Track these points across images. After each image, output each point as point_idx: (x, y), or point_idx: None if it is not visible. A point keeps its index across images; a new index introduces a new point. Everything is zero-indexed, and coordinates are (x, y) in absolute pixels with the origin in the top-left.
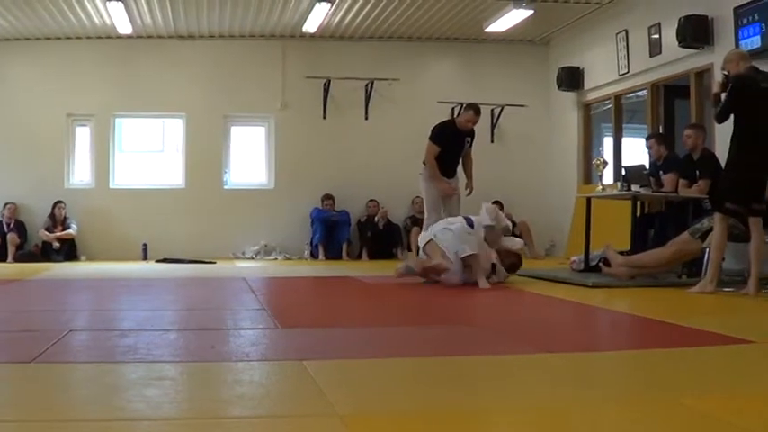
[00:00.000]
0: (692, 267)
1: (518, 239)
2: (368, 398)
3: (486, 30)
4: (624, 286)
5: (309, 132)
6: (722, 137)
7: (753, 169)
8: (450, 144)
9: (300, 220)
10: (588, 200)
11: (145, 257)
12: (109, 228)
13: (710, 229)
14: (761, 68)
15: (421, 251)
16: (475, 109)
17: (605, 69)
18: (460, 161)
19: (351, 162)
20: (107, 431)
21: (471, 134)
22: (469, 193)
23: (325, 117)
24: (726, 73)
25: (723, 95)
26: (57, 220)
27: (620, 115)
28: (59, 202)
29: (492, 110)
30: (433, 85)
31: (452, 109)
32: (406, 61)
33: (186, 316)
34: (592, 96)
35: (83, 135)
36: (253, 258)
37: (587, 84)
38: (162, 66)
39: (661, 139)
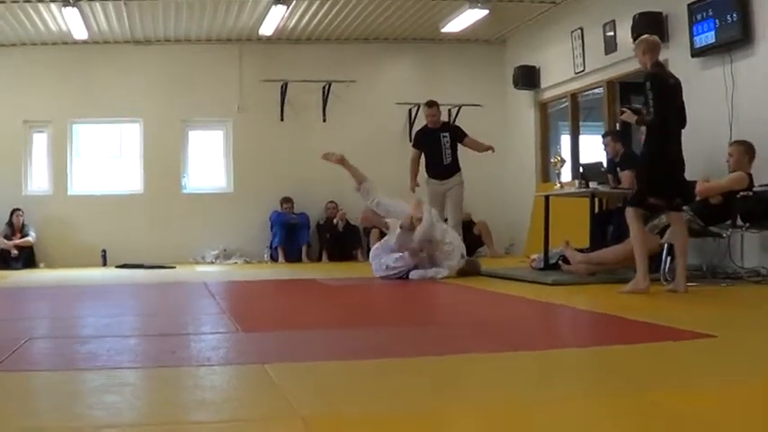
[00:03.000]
0: (651, 263)
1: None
2: (330, 400)
3: (443, 30)
4: (584, 283)
5: (267, 135)
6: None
7: (670, 165)
8: (426, 145)
9: (260, 223)
10: (546, 198)
11: (104, 264)
12: (68, 234)
13: (668, 225)
14: (714, 65)
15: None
16: (426, 103)
17: (561, 68)
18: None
19: (309, 164)
20: None
21: (447, 129)
22: (492, 150)
23: (282, 120)
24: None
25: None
26: (15, 228)
27: (576, 113)
28: (17, 209)
29: (449, 110)
30: (391, 86)
31: (410, 110)
32: (363, 63)
33: (147, 322)
34: (548, 95)
35: (40, 141)
36: (213, 263)
37: (544, 82)
38: (118, 71)
39: (617, 136)
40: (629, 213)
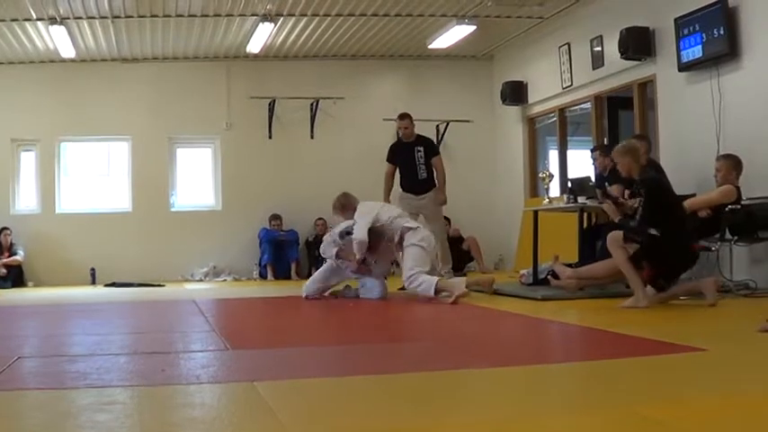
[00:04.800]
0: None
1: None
2: (319, 417)
3: (430, 46)
4: (573, 298)
5: (255, 152)
6: (667, 147)
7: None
8: (400, 158)
9: (249, 240)
10: (535, 213)
11: (93, 282)
12: (56, 253)
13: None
14: (701, 80)
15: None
16: (399, 116)
17: (549, 83)
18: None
19: (298, 181)
20: None
21: (421, 143)
22: (441, 204)
23: (270, 137)
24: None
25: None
26: (3, 247)
27: (564, 128)
28: (5, 228)
29: (437, 125)
30: (378, 102)
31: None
32: (351, 79)
33: (136, 340)
34: (536, 110)
35: (28, 160)
36: (202, 280)
37: (531, 97)
38: (106, 89)
39: (606, 151)
40: (615, 240)
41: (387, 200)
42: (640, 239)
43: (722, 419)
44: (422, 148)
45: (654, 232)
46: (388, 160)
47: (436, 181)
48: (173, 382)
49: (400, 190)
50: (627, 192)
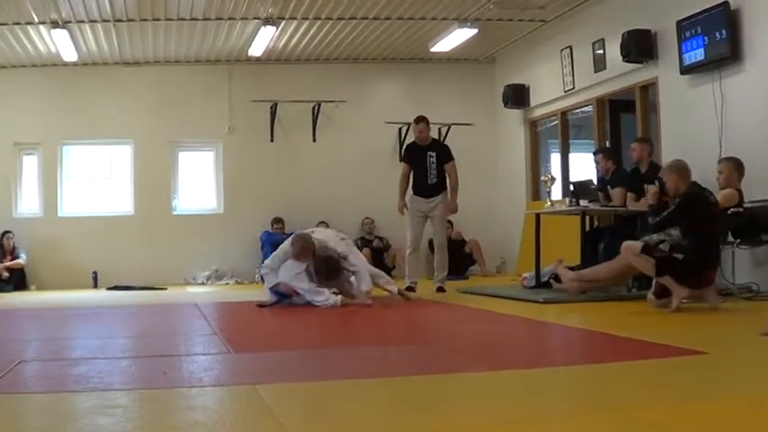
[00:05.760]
0: (642, 281)
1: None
2: (321, 420)
3: (432, 49)
4: (575, 301)
5: (257, 156)
6: (669, 150)
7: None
8: (414, 161)
9: (251, 243)
10: (537, 216)
11: (95, 285)
12: (58, 256)
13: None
14: (704, 83)
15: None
16: (415, 119)
17: (551, 86)
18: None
19: (300, 184)
20: None
21: (435, 148)
22: (452, 211)
23: (272, 140)
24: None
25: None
26: (5, 250)
27: (566, 131)
28: (7, 231)
29: (439, 129)
30: (380, 105)
31: (399, 129)
32: (353, 82)
33: (138, 343)
34: (538, 113)
35: (30, 164)
36: (204, 283)
37: (533, 101)
38: (108, 92)
39: (608, 153)
40: (631, 250)
41: (402, 203)
42: (658, 256)
43: (723, 423)
44: (434, 154)
45: (678, 256)
46: (403, 160)
47: (448, 186)
48: (175, 385)
49: (411, 192)
50: (629, 193)
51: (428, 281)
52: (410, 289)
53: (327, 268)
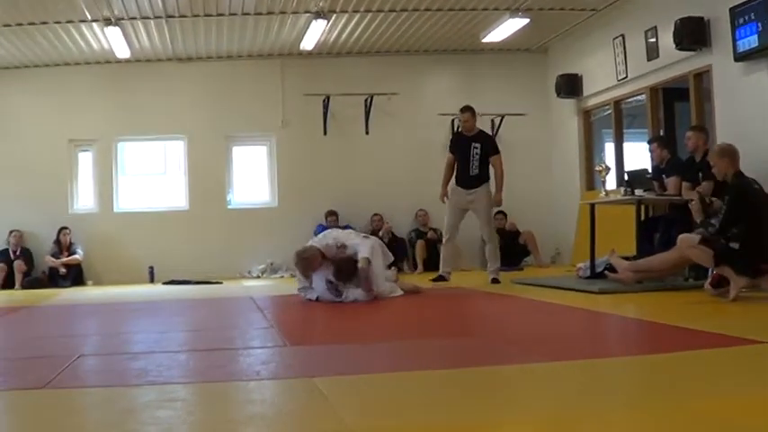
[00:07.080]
0: (698, 270)
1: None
2: (380, 413)
3: (484, 40)
4: (631, 291)
5: (311, 149)
6: (725, 138)
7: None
8: (459, 151)
9: (305, 237)
10: (592, 206)
11: (152, 280)
12: (115, 252)
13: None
14: (758, 69)
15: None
16: (461, 109)
17: (604, 75)
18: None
19: (353, 177)
20: None
21: (480, 140)
22: (497, 204)
23: (325, 133)
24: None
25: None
26: (62, 246)
27: (620, 120)
28: (64, 227)
29: (492, 119)
30: (433, 97)
31: (452, 121)
32: (405, 75)
33: (195, 337)
34: (591, 102)
35: (85, 160)
36: (259, 277)
37: (586, 90)
38: (161, 88)
39: (663, 142)
40: (688, 242)
41: (444, 192)
42: (716, 247)
43: None
44: (479, 145)
45: (734, 245)
46: (450, 149)
47: (492, 178)
48: (233, 378)
49: (453, 182)
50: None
51: (483, 272)
52: (441, 278)
53: (341, 269)
